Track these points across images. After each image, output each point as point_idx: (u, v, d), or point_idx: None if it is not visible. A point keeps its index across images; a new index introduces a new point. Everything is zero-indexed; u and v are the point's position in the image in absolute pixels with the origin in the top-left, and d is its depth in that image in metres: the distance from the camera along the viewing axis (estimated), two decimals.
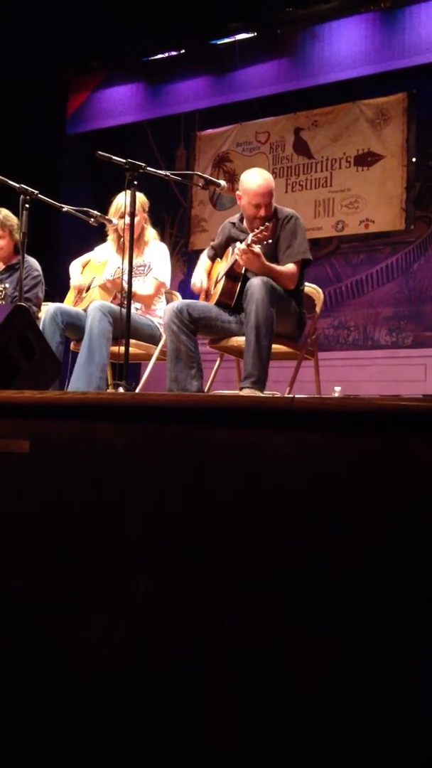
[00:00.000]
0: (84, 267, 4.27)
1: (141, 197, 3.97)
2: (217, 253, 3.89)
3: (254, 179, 3.59)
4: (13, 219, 4.14)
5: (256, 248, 3.36)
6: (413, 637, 1.49)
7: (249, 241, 3.36)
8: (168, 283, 4.06)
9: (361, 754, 1.50)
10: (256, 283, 3.31)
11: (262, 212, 3.55)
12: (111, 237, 4.15)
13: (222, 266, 3.74)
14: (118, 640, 1.71)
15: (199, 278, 3.83)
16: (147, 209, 4.09)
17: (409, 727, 1.47)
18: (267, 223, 3.38)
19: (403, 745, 1.48)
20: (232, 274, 3.59)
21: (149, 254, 4.05)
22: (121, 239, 3.90)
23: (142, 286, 3.93)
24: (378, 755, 1.49)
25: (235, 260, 3.50)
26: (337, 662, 1.53)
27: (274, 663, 1.57)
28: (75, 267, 4.25)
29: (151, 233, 4.12)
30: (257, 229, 3.40)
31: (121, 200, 3.89)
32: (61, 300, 4.20)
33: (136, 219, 3.53)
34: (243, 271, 3.55)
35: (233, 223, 3.82)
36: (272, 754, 1.55)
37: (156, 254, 4.05)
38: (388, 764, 1.48)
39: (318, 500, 1.58)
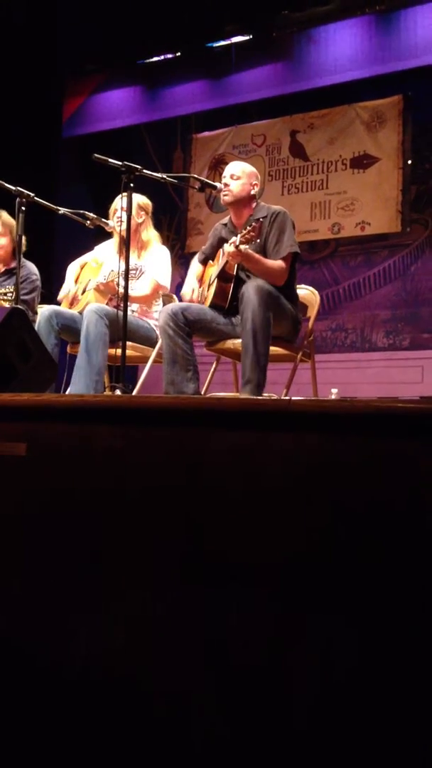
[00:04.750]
0: (82, 268, 4.26)
1: (142, 199, 3.98)
2: (208, 257, 3.89)
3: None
4: (11, 220, 4.14)
5: (243, 248, 3.35)
6: (413, 639, 1.48)
7: (237, 242, 3.35)
8: (168, 286, 4.05)
9: (360, 758, 1.50)
10: (251, 287, 3.31)
11: (230, 186, 3.62)
12: (114, 239, 4.15)
13: (214, 269, 3.74)
14: (116, 640, 1.71)
15: (189, 288, 3.83)
16: (149, 211, 4.07)
17: (409, 730, 1.47)
18: (254, 223, 3.37)
19: (403, 749, 1.47)
20: (224, 276, 3.58)
21: (147, 257, 4.04)
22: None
23: (136, 287, 3.92)
24: (376, 759, 1.49)
25: (227, 261, 3.50)
26: (336, 663, 1.52)
27: (272, 663, 1.57)
28: (72, 269, 4.24)
29: (151, 234, 4.10)
30: (245, 229, 3.40)
31: (116, 202, 3.91)
32: (57, 303, 4.19)
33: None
34: (235, 272, 3.55)
35: (224, 224, 3.82)
36: (269, 755, 1.55)
37: (155, 257, 4.03)
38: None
39: (315, 501, 1.58)
